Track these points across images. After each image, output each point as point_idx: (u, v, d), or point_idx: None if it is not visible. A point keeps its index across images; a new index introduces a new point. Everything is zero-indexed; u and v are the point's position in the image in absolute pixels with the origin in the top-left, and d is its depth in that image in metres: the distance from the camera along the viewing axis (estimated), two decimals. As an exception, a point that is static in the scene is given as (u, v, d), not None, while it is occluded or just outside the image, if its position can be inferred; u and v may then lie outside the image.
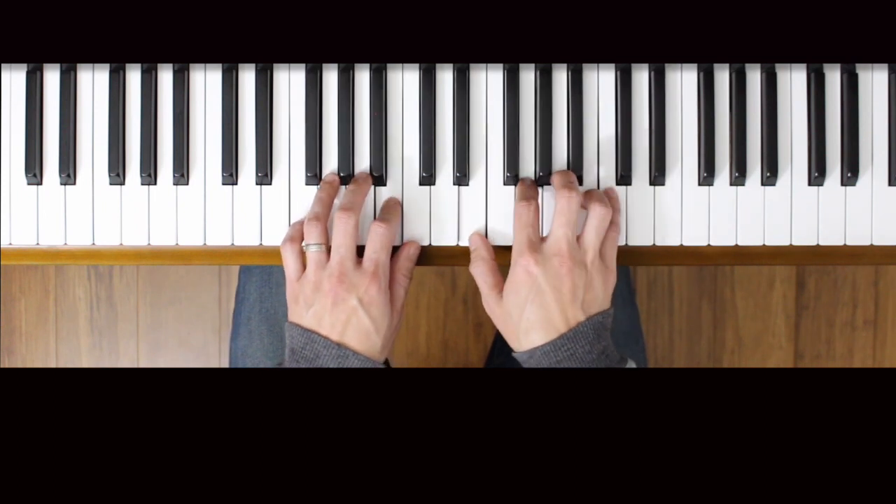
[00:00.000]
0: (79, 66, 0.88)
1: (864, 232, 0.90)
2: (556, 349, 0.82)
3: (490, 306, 0.86)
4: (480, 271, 0.86)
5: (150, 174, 0.88)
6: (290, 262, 0.86)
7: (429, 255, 0.90)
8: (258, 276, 1.06)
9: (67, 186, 0.88)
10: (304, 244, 0.85)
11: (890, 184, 0.90)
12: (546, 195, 0.89)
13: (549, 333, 0.82)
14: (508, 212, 0.89)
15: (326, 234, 0.85)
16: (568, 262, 0.82)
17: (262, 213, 0.89)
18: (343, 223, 0.83)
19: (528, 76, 0.89)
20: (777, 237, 0.89)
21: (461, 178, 0.88)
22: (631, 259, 0.90)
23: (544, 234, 0.86)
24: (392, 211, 0.87)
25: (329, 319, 0.83)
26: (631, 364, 0.85)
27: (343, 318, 0.83)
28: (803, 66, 0.89)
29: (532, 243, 0.83)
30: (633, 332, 1.11)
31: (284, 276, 1.03)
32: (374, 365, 0.83)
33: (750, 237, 0.89)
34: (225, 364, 1.66)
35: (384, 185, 0.89)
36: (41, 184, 0.88)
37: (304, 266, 0.85)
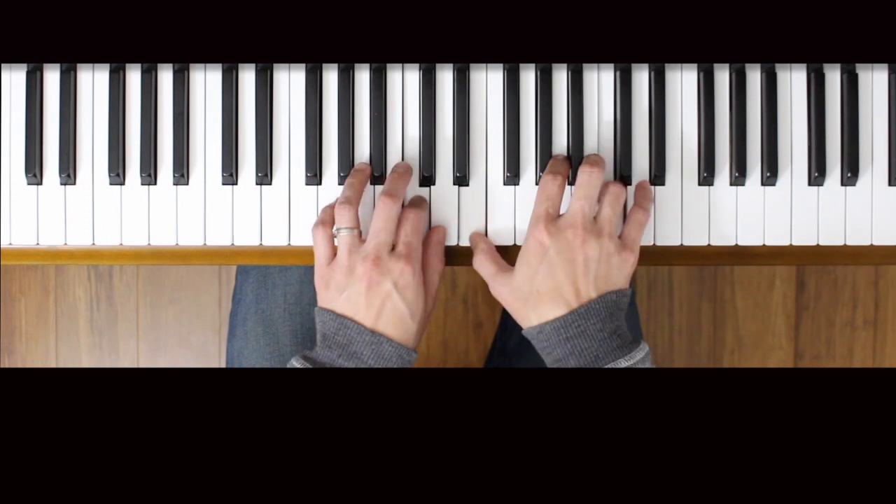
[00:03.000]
0: (79, 66, 0.88)
1: (865, 232, 0.90)
2: (567, 325, 0.81)
3: (496, 288, 0.85)
4: (482, 260, 0.86)
5: (150, 174, 0.88)
6: (320, 247, 0.85)
7: (429, 255, 0.90)
8: (254, 277, 1.06)
9: (67, 186, 0.88)
10: (335, 228, 0.85)
11: (890, 184, 0.90)
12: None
13: (559, 306, 0.81)
14: (508, 212, 0.89)
15: (357, 218, 0.84)
16: (581, 234, 0.82)
17: (262, 213, 0.89)
18: (387, 207, 0.83)
19: (528, 76, 0.89)
20: (777, 237, 0.89)
21: (461, 178, 0.88)
22: (631, 259, 0.90)
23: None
24: (419, 199, 0.87)
25: (363, 304, 0.82)
26: (644, 346, 0.83)
27: (378, 302, 0.82)
28: (803, 66, 0.89)
29: (549, 216, 0.83)
30: (633, 332, 1.11)
31: (280, 278, 1.03)
32: (407, 353, 0.83)
33: (750, 237, 0.89)
34: (224, 364, 1.66)
35: (384, 184, 0.89)
36: (41, 184, 0.88)
37: (333, 251, 0.85)
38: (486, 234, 0.89)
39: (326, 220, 0.86)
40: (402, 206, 0.86)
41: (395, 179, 0.86)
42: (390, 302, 0.83)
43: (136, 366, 1.66)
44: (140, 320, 1.67)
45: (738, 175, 0.88)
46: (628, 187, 0.88)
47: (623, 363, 0.81)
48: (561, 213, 0.85)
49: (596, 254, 0.82)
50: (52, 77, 0.88)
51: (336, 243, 0.86)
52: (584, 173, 0.84)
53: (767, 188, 0.89)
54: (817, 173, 0.89)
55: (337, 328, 0.83)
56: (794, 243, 0.90)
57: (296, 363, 0.83)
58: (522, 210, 0.89)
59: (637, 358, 0.81)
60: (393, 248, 0.84)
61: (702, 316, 1.68)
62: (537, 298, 0.82)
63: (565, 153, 0.89)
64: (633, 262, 0.84)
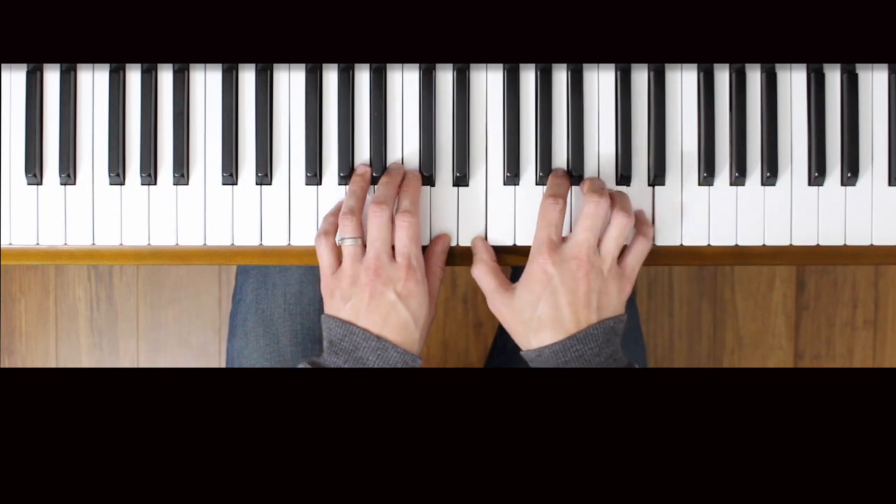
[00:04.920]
0: (79, 66, 0.88)
1: (864, 232, 0.90)
2: (565, 350, 0.82)
3: (496, 306, 0.86)
4: (482, 273, 0.86)
5: (150, 174, 0.88)
6: (324, 256, 0.86)
7: (429, 255, 0.90)
8: (254, 277, 1.06)
9: (67, 186, 0.88)
10: (338, 238, 0.85)
11: (890, 184, 0.90)
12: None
13: (559, 334, 0.82)
14: (508, 212, 0.89)
15: (362, 228, 0.85)
16: (585, 267, 0.82)
17: (262, 213, 0.89)
18: (378, 217, 0.84)
19: (528, 76, 0.89)
20: (777, 237, 0.89)
21: (461, 178, 0.88)
22: (631, 259, 0.90)
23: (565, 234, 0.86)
24: (412, 198, 0.87)
25: (367, 313, 0.83)
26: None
27: (382, 311, 0.83)
28: (803, 66, 0.89)
29: (552, 243, 0.83)
30: (633, 332, 1.11)
31: (280, 279, 1.03)
32: (412, 357, 0.84)
33: (750, 237, 0.89)
34: (224, 364, 1.66)
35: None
36: (41, 184, 0.88)
37: (338, 260, 0.86)
38: (486, 235, 0.89)
39: (329, 229, 0.86)
40: (404, 208, 0.86)
41: (385, 185, 0.86)
42: (394, 312, 0.83)
43: (136, 366, 1.66)
44: (140, 320, 1.67)
45: (738, 175, 0.88)
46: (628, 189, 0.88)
47: None
48: (564, 233, 0.85)
49: (598, 285, 0.83)
50: (52, 77, 0.88)
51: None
52: (591, 203, 0.83)
53: (767, 188, 0.89)
54: (817, 173, 0.89)
55: (343, 335, 0.83)
56: (794, 243, 0.90)
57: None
58: (522, 210, 0.89)
59: None
60: (394, 254, 0.85)
61: (702, 316, 1.68)
62: (538, 324, 0.83)
63: (565, 153, 0.89)
64: (630, 290, 0.85)
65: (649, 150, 0.89)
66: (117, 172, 0.88)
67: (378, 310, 0.83)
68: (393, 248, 0.85)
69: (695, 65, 0.89)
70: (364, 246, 0.84)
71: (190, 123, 0.89)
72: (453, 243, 0.89)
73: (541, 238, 0.84)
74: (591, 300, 0.82)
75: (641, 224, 0.87)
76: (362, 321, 0.83)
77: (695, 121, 0.89)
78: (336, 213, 0.87)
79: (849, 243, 0.90)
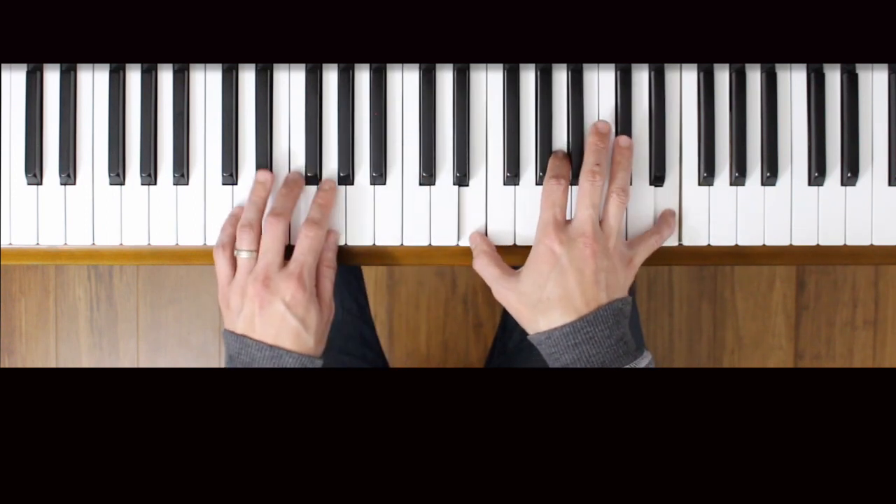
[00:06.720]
0: (79, 66, 0.88)
1: (864, 232, 0.90)
2: (576, 331, 0.81)
3: (501, 293, 0.85)
4: (484, 263, 0.86)
5: (149, 174, 0.88)
6: (221, 268, 0.86)
7: (429, 255, 0.90)
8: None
9: (67, 186, 0.88)
10: (235, 250, 0.85)
11: (890, 184, 0.90)
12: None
13: (569, 313, 0.82)
14: (509, 212, 0.89)
15: (259, 241, 0.85)
16: (592, 244, 0.82)
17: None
18: (272, 228, 0.84)
19: (528, 76, 0.89)
20: (777, 237, 0.89)
21: (461, 178, 0.88)
22: (631, 259, 0.90)
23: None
24: (323, 209, 0.87)
25: (259, 323, 0.84)
26: (648, 354, 0.84)
27: (274, 322, 0.83)
28: (803, 66, 0.89)
29: (558, 222, 0.83)
30: (633, 331, 1.11)
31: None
32: (310, 360, 0.84)
33: (750, 237, 0.89)
34: (224, 364, 1.66)
35: (384, 184, 0.89)
36: (41, 184, 0.88)
37: (234, 271, 0.86)
38: (486, 235, 0.89)
39: (227, 241, 0.86)
40: (313, 218, 0.86)
41: (284, 197, 0.86)
42: (284, 321, 0.83)
43: (136, 366, 1.66)
44: (140, 320, 1.67)
45: (738, 175, 0.88)
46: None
47: None
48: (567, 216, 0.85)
49: (605, 263, 0.82)
50: (52, 77, 0.88)
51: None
52: (586, 181, 0.84)
53: (767, 188, 0.89)
54: (817, 173, 0.89)
55: (239, 349, 0.84)
56: (794, 243, 0.90)
57: None
58: (522, 210, 0.89)
59: (641, 365, 0.82)
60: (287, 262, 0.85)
61: (702, 316, 1.68)
62: (547, 305, 0.82)
63: (565, 149, 0.89)
64: (634, 274, 0.86)
65: (649, 150, 0.89)
66: (117, 172, 0.88)
67: (270, 321, 0.83)
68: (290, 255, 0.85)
69: (695, 65, 0.89)
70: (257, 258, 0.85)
71: (190, 123, 0.89)
72: (453, 243, 0.89)
73: (546, 219, 0.84)
74: (600, 279, 0.82)
75: (662, 222, 0.88)
76: (257, 333, 0.84)
77: (695, 121, 0.89)
78: (234, 224, 0.87)
79: (849, 243, 0.90)
